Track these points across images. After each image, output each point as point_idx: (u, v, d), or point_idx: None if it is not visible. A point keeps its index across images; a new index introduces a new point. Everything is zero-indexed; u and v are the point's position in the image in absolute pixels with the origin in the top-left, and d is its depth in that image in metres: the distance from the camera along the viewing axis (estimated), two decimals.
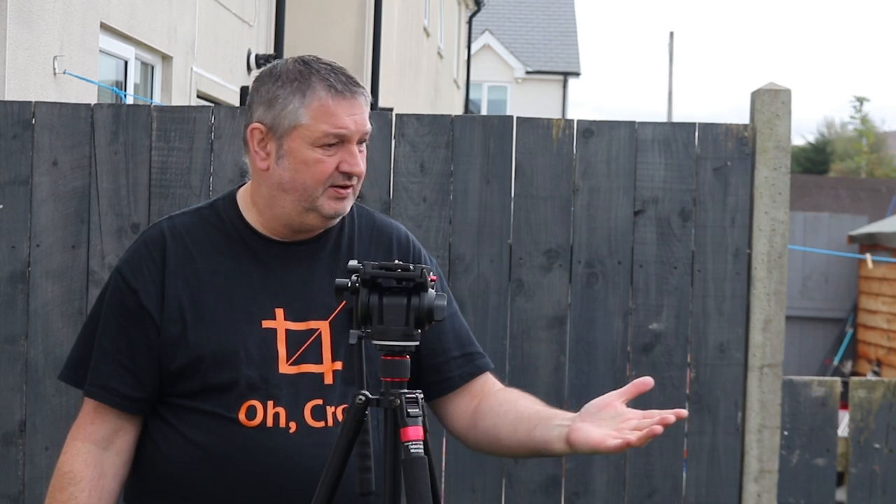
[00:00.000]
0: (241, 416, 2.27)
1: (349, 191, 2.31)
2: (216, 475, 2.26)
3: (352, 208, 2.44)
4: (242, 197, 2.40)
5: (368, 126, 2.31)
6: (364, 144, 2.32)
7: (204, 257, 2.34)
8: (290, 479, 2.25)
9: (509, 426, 2.35)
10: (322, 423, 2.28)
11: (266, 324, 2.30)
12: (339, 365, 2.32)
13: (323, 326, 2.32)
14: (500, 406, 2.38)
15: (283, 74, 2.29)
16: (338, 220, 2.36)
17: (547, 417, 2.30)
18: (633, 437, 2.10)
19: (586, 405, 2.24)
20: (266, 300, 2.32)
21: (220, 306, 2.30)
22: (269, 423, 2.27)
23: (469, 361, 2.44)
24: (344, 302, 2.30)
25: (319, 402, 2.29)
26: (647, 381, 2.17)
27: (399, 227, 2.50)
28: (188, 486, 2.29)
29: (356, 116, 2.27)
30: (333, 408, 2.30)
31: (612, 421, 2.17)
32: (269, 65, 2.37)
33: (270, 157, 2.31)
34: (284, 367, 2.29)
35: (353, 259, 2.32)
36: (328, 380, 2.30)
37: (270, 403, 2.27)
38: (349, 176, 2.29)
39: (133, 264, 2.34)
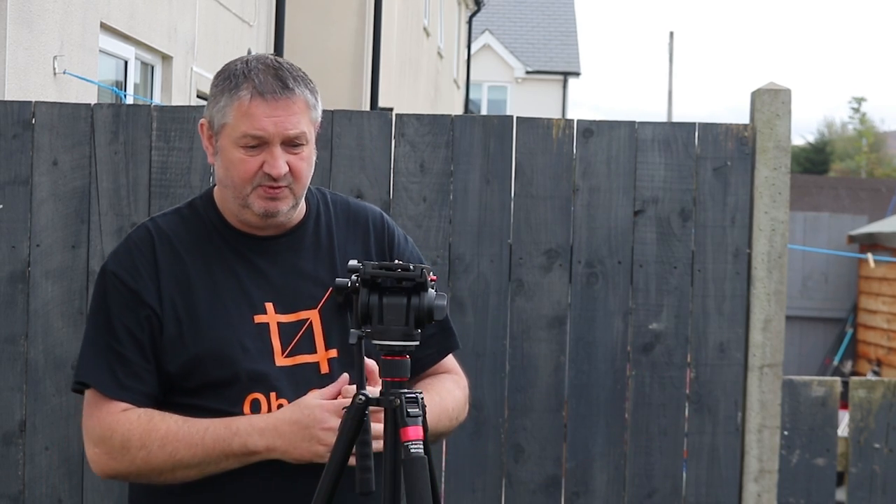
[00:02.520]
0: (246, 410, 2.28)
1: (280, 192, 2.29)
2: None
3: (326, 197, 2.47)
4: (217, 194, 2.42)
5: (297, 129, 2.27)
6: (301, 147, 2.29)
7: (190, 257, 2.35)
8: (295, 469, 2.25)
9: None
10: None
11: (258, 318, 2.32)
12: (333, 353, 2.33)
13: (313, 315, 2.34)
14: None
15: (225, 72, 2.32)
16: (281, 217, 2.32)
17: None
18: None
19: None
20: (255, 295, 2.33)
21: (211, 304, 2.31)
22: None
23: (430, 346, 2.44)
24: (330, 289, 2.31)
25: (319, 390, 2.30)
26: None
27: (373, 208, 2.52)
28: (190, 481, 2.28)
29: (277, 118, 2.25)
30: None
31: None
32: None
33: (212, 153, 2.35)
34: (281, 360, 2.31)
35: (334, 245, 2.36)
36: (324, 368, 2.32)
37: (273, 395, 2.29)
38: (272, 177, 2.28)
39: (127, 266, 2.33)
